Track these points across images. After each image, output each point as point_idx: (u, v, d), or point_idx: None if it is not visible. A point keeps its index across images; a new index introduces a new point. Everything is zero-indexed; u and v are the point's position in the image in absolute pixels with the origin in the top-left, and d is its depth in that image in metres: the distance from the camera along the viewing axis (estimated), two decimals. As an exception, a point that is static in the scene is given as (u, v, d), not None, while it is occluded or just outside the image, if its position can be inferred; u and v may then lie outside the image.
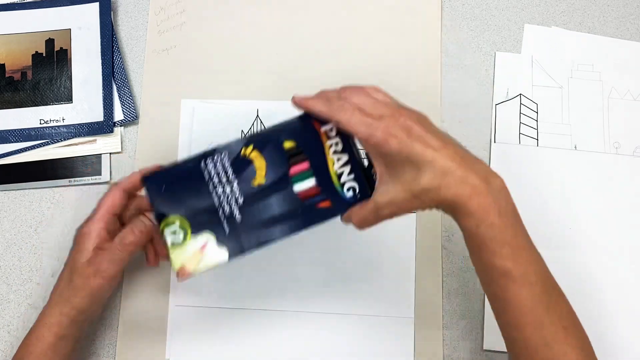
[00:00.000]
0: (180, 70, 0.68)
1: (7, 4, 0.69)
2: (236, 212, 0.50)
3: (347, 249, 0.62)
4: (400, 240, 0.63)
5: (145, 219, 0.53)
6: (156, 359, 0.61)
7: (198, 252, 0.49)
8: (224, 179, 0.50)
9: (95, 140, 0.66)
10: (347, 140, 0.50)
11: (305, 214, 0.50)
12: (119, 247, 0.51)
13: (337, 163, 0.50)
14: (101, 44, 0.68)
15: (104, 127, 0.66)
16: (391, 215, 0.46)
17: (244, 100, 0.67)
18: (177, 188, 0.50)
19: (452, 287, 0.63)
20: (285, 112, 0.66)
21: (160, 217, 0.49)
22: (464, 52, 0.69)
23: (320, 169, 0.50)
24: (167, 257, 0.49)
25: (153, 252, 0.56)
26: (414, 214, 0.64)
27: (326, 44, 0.69)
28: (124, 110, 0.66)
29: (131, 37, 0.70)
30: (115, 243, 0.52)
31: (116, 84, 0.67)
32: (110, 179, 0.65)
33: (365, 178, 0.50)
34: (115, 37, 0.69)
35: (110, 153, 0.66)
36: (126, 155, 0.66)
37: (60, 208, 0.65)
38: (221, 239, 0.49)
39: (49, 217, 0.64)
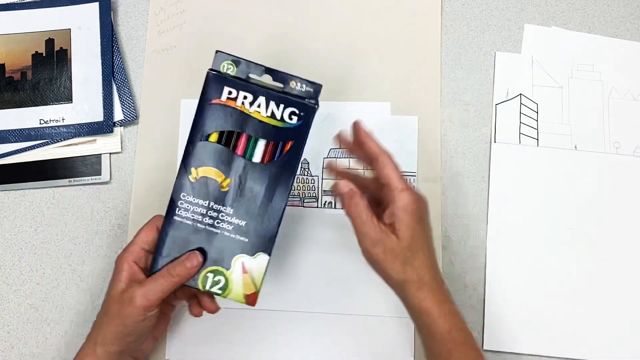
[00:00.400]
0: (180, 70, 0.68)
1: (7, 4, 0.69)
2: (237, 222, 0.51)
3: (347, 249, 0.62)
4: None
5: (198, 256, 0.51)
6: (156, 359, 0.61)
7: (244, 275, 0.51)
8: (202, 211, 0.51)
9: (95, 140, 0.66)
10: (249, 88, 0.50)
11: (284, 167, 0.51)
12: (163, 277, 0.50)
13: (263, 110, 0.50)
14: (101, 44, 0.68)
15: (104, 127, 0.66)
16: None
17: (244, 100, 0.66)
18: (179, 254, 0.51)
19: (452, 287, 0.63)
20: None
21: (194, 283, 0.51)
22: (464, 52, 0.69)
23: (257, 129, 0.51)
24: (213, 309, 0.53)
25: (197, 305, 0.54)
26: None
27: (326, 44, 0.69)
28: (124, 110, 0.66)
29: (131, 37, 0.70)
30: (162, 272, 0.50)
31: (116, 84, 0.67)
32: (110, 178, 0.65)
33: (291, 95, 0.51)
34: (115, 37, 0.69)
35: (110, 153, 0.66)
36: (126, 155, 0.66)
37: (60, 208, 0.65)
38: (248, 249, 0.51)
39: (49, 217, 0.64)
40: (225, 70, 0.51)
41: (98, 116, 0.66)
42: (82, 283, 0.63)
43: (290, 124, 0.51)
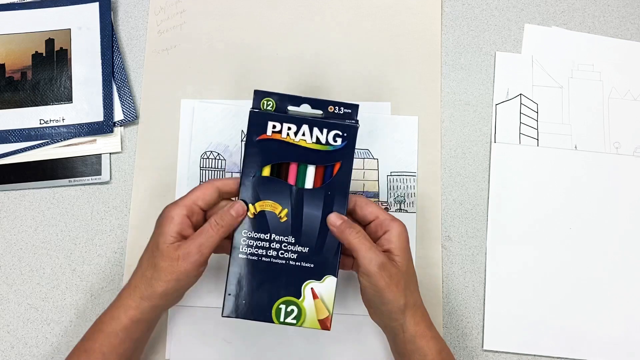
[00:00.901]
0: (180, 70, 0.68)
1: (7, 4, 0.69)
2: (300, 249, 0.52)
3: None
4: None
5: (242, 204, 0.51)
6: (156, 359, 0.61)
7: (316, 301, 0.52)
8: (265, 244, 0.52)
9: (95, 140, 0.66)
10: (292, 119, 0.53)
11: (336, 187, 0.52)
12: (212, 228, 0.50)
13: (307, 137, 0.52)
14: (101, 44, 0.68)
15: (104, 127, 0.66)
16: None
17: (244, 100, 0.67)
18: (256, 293, 0.52)
19: (452, 287, 0.63)
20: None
21: (268, 318, 0.52)
22: (464, 52, 0.69)
23: (305, 156, 0.53)
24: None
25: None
26: (414, 213, 0.64)
27: (326, 44, 0.69)
28: (124, 110, 0.66)
29: (131, 37, 0.70)
30: (210, 224, 0.50)
31: (116, 84, 0.67)
32: (110, 178, 0.65)
33: (331, 119, 0.53)
34: (115, 37, 0.69)
35: (110, 153, 0.66)
36: (126, 155, 0.66)
37: (60, 208, 0.65)
38: (316, 274, 0.52)
39: (49, 217, 0.64)
40: (265, 107, 0.53)
41: (98, 116, 0.66)
42: (82, 283, 0.63)
43: (336, 145, 0.52)
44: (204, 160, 0.65)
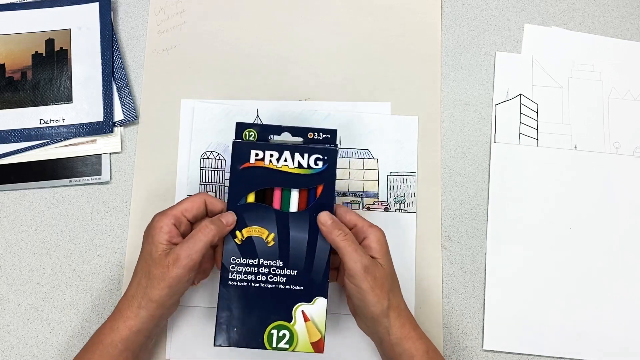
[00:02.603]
0: (180, 70, 0.68)
1: (7, 4, 0.69)
2: (288, 272, 0.53)
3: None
4: (400, 241, 0.63)
5: (234, 215, 0.53)
6: (156, 359, 0.61)
7: (307, 323, 0.52)
8: (253, 270, 0.53)
9: (95, 140, 0.66)
10: (273, 147, 0.54)
11: (320, 209, 0.53)
12: (200, 231, 0.51)
13: (290, 162, 0.54)
14: (101, 44, 0.68)
15: (104, 127, 0.66)
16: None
17: (244, 100, 0.67)
18: (247, 320, 0.52)
19: (452, 287, 0.63)
20: (285, 112, 0.66)
21: (260, 344, 0.52)
22: (464, 52, 0.69)
23: (288, 180, 0.54)
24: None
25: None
26: (414, 213, 0.64)
27: (326, 43, 0.69)
28: (124, 110, 0.66)
29: (131, 37, 0.70)
30: (199, 228, 0.51)
31: (116, 84, 0.67)
32: (110, 178, 0.65)
33: (311, 144, 0.55)
34: (115, 37, 0.69)
35: (110, 153, 0.66)
36: (126, 155, 0.66)
37: (60, 208, 0.65)
38: (306, 296, 0.52)
39: (49, 217, 0.64)
40: (248, 138, 0.55)
41: (98, 116, 0.66)
42: (82, 283, 0.63)
43: (317, 169, 0.54)
44: (204, 160, 0.65)
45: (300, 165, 0.54)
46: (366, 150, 0.65)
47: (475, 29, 0.70)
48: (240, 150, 0.54)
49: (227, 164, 0.64)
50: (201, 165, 0.65)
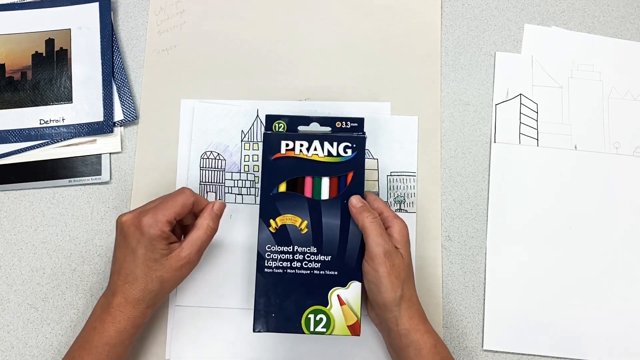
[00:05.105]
0: (180, 70, 0.68)
1: (7, 4, 0.69)
2: (323, 258, 0.54)
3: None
4: (400, 240, 0.63)
5: (222, 203, 0.56)
6: (156, 359, 0.61)
7: (343, 307, 0.53)
8: (288, 257, 0.54)
9: (95, 140, 0.66)
10: (303, 137, 0.56)
11: (349, 196, 0.55)
12: (203, 233, 0.53)
13: (319, 151, 0.56)
14: (101, 44, 0.68)
15: (104, 127, 0.66)
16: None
17: (244, 100, 0.67)
18: (284, 305, 0.54)
19: (452, 287, 0.63)
20: (285, 112, 0.66)
21: (298, 328, 0.54)
22: (464, 52, 0.69)
23: (319, 169, 0.56)
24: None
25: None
26: (414, 213, 0.64)
27: (326, 43, 0.69)
28: (124, 110, 0.66)
29: (131, 37, 0.70)
30: (197, 230, 0.53)
31: (116, 84, 0.67)
32: (110, 178, 0.65)
33: (339, 133, 0.57)
34: (115, 37, 0.69)
35: (110, 153, 0.66)
36: (126, 155, 0.66)
37: (60, 208, 0.65)
38: (340, 281, 0.54)
39: (49, 217, 0.64)
40: (277, 129, 0.58)
41: (98, 116, 0.66)
42: (82, 283, 0.63)
43: (346, 156, 0.56)
44: (204, 160, 0.65)
45: (329, 154, 0.56)
46: (366, 150, 0.65)
47: (475, 29, 0.70)
48: (271, 141, 0.56)
49: (227, 164, 0.64)
50: (201, 165, 0.65)
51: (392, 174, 0.65)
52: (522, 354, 0.62)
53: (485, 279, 0.63)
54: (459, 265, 0.64)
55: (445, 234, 0.64)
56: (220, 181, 0.64)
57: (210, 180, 0.64)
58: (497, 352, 0.62)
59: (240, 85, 0.67)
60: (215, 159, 0.65)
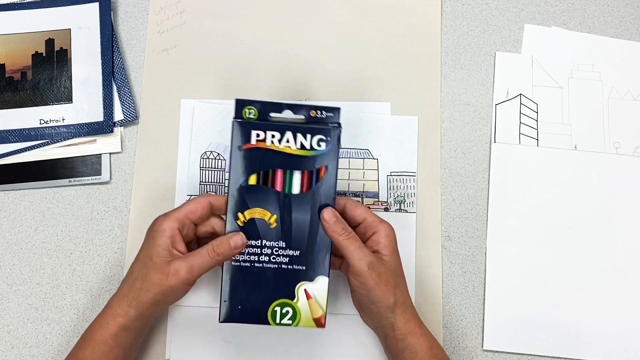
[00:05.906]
0: (180, 70, 0.68)
1: (7, 4, 0.69)
2: (291, 253, 0.53)
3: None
4: (400, 241, 0.63)
5: (243, 236, 0.52)
6: (156, 359, 0.61)
7: (309, 301, 0.53)
8: (256, 251, 0.53)
9: (95, 140, 0.66)
10: (275, 127, 0.53)
11: (323, 191, 0.53)
12: (209, 254, 0.51)
13: (292, 144, 0.53)
14: (101, 44, 0.68)
15: (104, 127, 0.66)
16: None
17: (244, 100, 0.67)
18: (251, 298, 0.53)
19: (451, 287, 0.63)
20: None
21: (264, 320, 0.53)
22: (464, 52, 0.69)
23: (290, 162, 0.53)
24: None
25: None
26: (414, 213, 0.64)
27: (326, 43, 0.69)
28: (124, 110, 0.66)
29: (131, 37, 0.70)
30: (207, 249, 0.51)
31: (116, 84, 0.67)
32: (110, 178, 0.65)
33: (314, 124, 0.53)
34: (115, 37, 0.69)
35: (110, 153, 0.66)
36: (126, 155, 0.66)
37: (60, 208, 0.65)
38: (308, 275, 0.53)
39: (49, 217, 0.64)
40: (247, 116, 0.53)
41: (98, 116, 0.66)
42: (82, 283, 0.63)
43: (320, 150, 0.53)
44: (204, 160, 0.65)
45: (303, 147, 0.53)
46: (366, 150, 0.65)
47: (475, 29, 0.70)
48: (240, 130, 0.53)
49: (228, 164, 0.64)
50: (201, 165, 0.65)
51: (392, 174, 0.65)
52: (522, 354, 0.62)
53: (485, 279, 0.63)
54: (459, 265, 0.64)
55: (445, 234, 0.64)
56: (221, 181, 0.64)
57: (210, 180, 0.64)
58: (497, 352, 0.62)
59: (240, 85, 0.67)
60: (215, 159, 0.65)
